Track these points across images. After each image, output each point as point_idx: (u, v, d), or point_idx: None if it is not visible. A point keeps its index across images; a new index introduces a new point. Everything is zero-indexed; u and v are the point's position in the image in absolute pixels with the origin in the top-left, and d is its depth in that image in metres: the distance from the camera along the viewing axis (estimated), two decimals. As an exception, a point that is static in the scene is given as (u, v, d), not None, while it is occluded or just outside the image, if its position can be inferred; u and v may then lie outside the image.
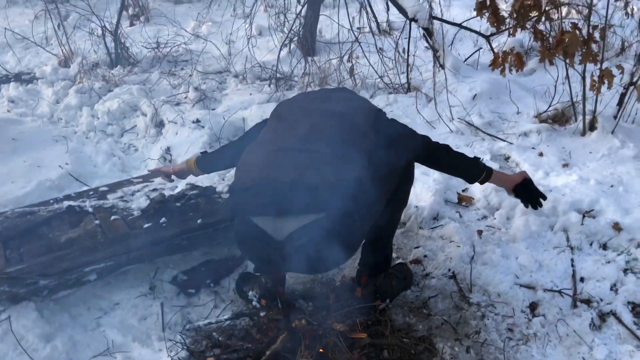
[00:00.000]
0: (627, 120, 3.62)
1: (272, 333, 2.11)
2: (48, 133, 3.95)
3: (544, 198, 2.59)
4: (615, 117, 3.52)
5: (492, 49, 4.08)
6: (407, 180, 2.41)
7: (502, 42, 4.73)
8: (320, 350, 1.93)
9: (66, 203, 3.03)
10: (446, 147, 2.45)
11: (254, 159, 2.10)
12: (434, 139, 2.45)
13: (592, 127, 3.59)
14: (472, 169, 2.45)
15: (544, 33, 3.22)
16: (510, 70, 3.45)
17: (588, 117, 3.58)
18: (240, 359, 2.08)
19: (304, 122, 2.17)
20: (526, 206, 2.62)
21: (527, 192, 2.56)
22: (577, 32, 2.98)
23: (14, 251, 2.65)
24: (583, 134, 3.59)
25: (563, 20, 3.52)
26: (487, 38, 4.57)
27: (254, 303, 2.41)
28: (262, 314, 2.18)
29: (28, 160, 3.52)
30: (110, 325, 2.45)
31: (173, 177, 2.97)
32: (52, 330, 2.37)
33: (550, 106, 3.83)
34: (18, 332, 2.31)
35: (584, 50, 3.03)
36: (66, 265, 2.49)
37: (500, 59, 3.43)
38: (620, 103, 3.49)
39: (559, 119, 3.81)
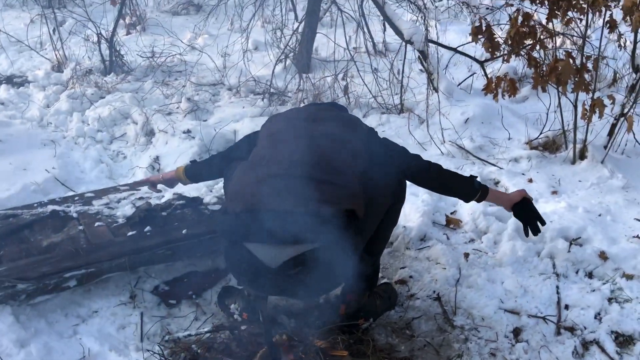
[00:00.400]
0: (617, 151, 3.65)
1: (252, 347, 2.08)
2: (36, 136, 3.91)
3: (543, 223, 2.57)
4: (605, 147, 3.55)
5: (485, 74, 4.11)
6: (399, 199, 2.40)
7: (496, 68, 4.76)
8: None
9: (50, 207, 2.99)
10: (438, 166, 2.45)
11: (245, 183, 2.09)
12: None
13: (582, 156, 3.61)
14: (466, 188, 2.44)
15: (538, 60, 3.25)
16: (503, 95, 3.47)
17: (579, 146, 3.60)
18: (218, 373, 2.04)
19: (295, 145, 2.16)
20: (526, 234, 2.58)
21: (526, 212, 2.54)
22: (571, 60, 3.00)
23: (-7, 253, 2.61)
24: (573, 162, 3.62)
25: (558, 49, 3.55)
26: (481, 64, 4.64)
27: (235, 316, 2.37)
28: (242, 327, 2.15)
29: (14, 162, 3.48)
30: (87, 333, 2.40)
31: (160, 187, 2.95)
32: (27, 336, 2.32)
33: (541, 133, 3.85)
34: (-8, 337, 2.25)
35: (576, 79, 3.06)
36: (46, 269, 2.45)
37: (493, 84, 3.45)
38: (610, 133, 3.52)
39: (549, 146, 3.83)
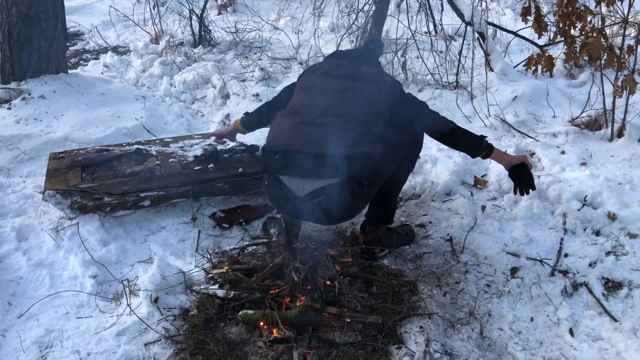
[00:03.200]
0: (657, 131, 3.76)
1: (279, 254, 2.53)
2: (131, 93, 4.59)
3: (533, 188, 2.75)
4: (644, 126, 3.68)
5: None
6: (415, 149, 2.75)
7: (558, 52, 4.92)
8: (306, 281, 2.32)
9: (135, 146, 3.60)
10: (454, 124, 2.76)
11: (282, 129, 2.52)
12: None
13: (620, 134, 3.76)
14: (474, 144, 2.71)
15: (573, 36, 3.44)
16: (543, 72, 3.69)
17: (617, 125, 3.76)
18: (248, 269, 2.52)
19: (325, 99, 2.55)
20: (515, 191, 2.77)
21: (520, 174, 2.74)
22: (601, 37, 3.20)
23: (89, 175, 3.24)
24: (610, 139, 3.77)
25: (603, 30, 3.71)
26: (540, 47, 4.82)
27: (273, 238, 2.84)
28: (274, 239, 2.61)
29: (111, 111, 4.15)
30: (154, 242, 2.96)
31: (225, 139, 3.46)
32: (109, 238, 2.91)
33: (583, 112, 4.02)
34: (83, 235, 2.86)
35: (608, 55, 3.25)
36: (127, 188, 3.03)
37: (534, 61, 3.68)
38: (650, 113, 3.65)
39: (591, 125, 3.99)
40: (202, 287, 2.52)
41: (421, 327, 2.29)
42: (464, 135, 2.73)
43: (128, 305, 2.41)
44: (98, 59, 5.74)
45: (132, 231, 3.04)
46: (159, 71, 5.08)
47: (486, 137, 2.75)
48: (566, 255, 2.74)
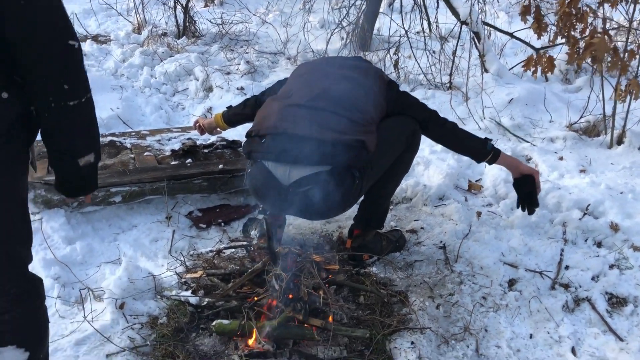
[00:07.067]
0: (658, 139, 3.62)
1: (260, 259, 2.32)
2: (108, 82, 4.34)
3: (536, 205, 2.55)
4: (644, 134, 3.54)
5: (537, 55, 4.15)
6: (412, 148, 2.53)
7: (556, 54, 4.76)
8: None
9: (109, 138, 3.36)
10: (454, 124, 2.57)
11: (270, 111, 2.32)
12: None
13: (620, 141, 3.61)
14: (479, 148, 2.50)
15: (575, 37, 3.29)
16: (542, 73, 3.53)
17: (617, 131, 3.61)
18: (225, 275, 2.30)
19: (319, 83, 2.38)
20: (519, 205, 2.57)
21: (528, 187, 2.52)
22: (607, 37, 3.04)
23: (56, 167, 3.00)
24: (610, 146, 3.63)
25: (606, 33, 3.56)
26: (536, 50, 4.66)
27: (254, 241, 2.62)
28: (254, 243, 2.40)
29: (85, 100, 3.89)
30: (124, 241, 2.73)
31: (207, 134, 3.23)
32: (75, 236, 2.68)
33: (581, 117, 3.87)
34: (46, 232, 2.62)
35: (613, 58, 3.09)
36: (96, 182, 2.79)
37: (533, 61, 3.52)
38: (651, 120, 3.51)
39: (589, 131, 3.84)
40: (173, 292, 2.30)
41: (412, 343, 2.09)
42: (466, 136, 2.54)
43: (88, 313, 2.18)
44: (76, 47, 5.47)
45: (101, 229, 2.80)
46: (139, 61, 4.84)
47: (491, 139, 2.57)
48: (567, 267, 2.57)
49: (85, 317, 2.13)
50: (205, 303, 2.20)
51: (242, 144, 3.24)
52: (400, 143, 2.44)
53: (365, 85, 2.40)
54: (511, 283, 2.48)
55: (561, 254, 2.64)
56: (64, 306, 2.27)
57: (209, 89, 4.40)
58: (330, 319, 2.07)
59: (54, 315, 2.21)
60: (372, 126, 2.30)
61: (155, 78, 4.59)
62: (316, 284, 2.10)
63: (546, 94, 4.26)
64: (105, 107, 3.85)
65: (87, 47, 5.30)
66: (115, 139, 3.36)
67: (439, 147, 3.57)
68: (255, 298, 2.14)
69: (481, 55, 4.58)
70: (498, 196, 3.12)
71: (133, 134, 3.50)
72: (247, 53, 5.11)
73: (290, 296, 2.09)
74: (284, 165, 2.18)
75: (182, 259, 2.55)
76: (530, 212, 2.60)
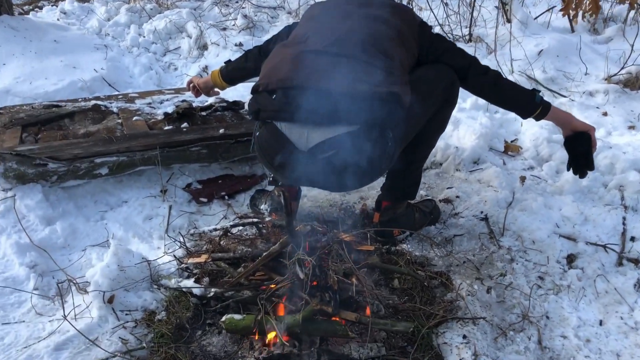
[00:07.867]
0: None
1: (275, 239, 1.94)
2: (91, 41, 3.89)
3: (591, 168, 2.17)
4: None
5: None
6: (449, 102, 2.12)
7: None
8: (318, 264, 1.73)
9: (93, 102, 2.95)
10: (497, 73, 2.15)
11: (282, 59, 1.90)
12: None
13: (668, 93, 3.21)
14: (526, 101, 2.09)
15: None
16: (583, 16, 3.10)
17: (665, 82, 3.21)
18: (234, 259, 1.92)
19: (340, 24, 1.95)
20: (569, 167, 2.19)
21: (581, 145, 2.13)
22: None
23: (31, 135, 2.60)
24: (658, 100, 3.23)
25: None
26: (563, -3, 4.21)
27: (266, 218, 2.23)
28: (267, 219, 2.01)
29: (65, 61, 3.46)
30: (113, 220, 2.35)
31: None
32: (54, 215, 2.30)
33: (622, 68, 3.46)
34: (20, 211, 2.23)
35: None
36: (78, 152, 2.39)
37: (573, 4, 3.09)
38: None
39: (631, 83, 3.43)
40: (173, 281, 1.91)
41: (465, 337, 1.72)
42: (511, 87, 2.12)
43: (70, 310, 1.80)
44: (56, 5, 4.99)
45: (86, 206, 2.42)
46: (125, 19, 4.38)
47: (539, 91, 2.15)
48: (632, 238, 2.19)
49: (65, 316, 1.75)
50: (211, 294, 1.82)
51: (247, 103, 2.85)
52: (436, 97, 2.03)
53: (395, 26, 1.98)
54: (570, 259, 2.11)
55: (624, 224, 2.26)
56: (41, 301, 1.90)
57: (204, 47, 3.96)
58: (368, 311, 1.70)
59: (29, 313, 1.84)
60: (406, 76, 1.90)
61: (144, 37, 4.14)
62: (347, 269, 1.71)
63: (577, 43, 3.83)
64: (89, 68, 3.42)
65: (67, 5, 4.83)
66: (100, 102, 2.94)
67: (468, 103, 3.17)
68: (273, 287, 1.75)
69: (503, 3, 4.14)
70: (540, 158, 2.73)
71: (120, 97, 3.07)
72: (243, 8, 4.64)
73: (315, 283, 1.71)
74: (302, 126, 1.77)
75: (182, 239, 2.16)
76: (582, 175, 2.21)
